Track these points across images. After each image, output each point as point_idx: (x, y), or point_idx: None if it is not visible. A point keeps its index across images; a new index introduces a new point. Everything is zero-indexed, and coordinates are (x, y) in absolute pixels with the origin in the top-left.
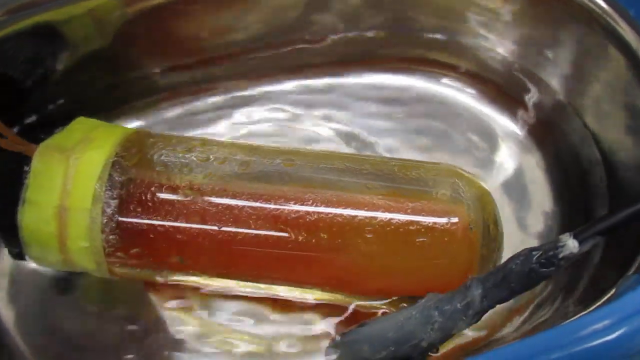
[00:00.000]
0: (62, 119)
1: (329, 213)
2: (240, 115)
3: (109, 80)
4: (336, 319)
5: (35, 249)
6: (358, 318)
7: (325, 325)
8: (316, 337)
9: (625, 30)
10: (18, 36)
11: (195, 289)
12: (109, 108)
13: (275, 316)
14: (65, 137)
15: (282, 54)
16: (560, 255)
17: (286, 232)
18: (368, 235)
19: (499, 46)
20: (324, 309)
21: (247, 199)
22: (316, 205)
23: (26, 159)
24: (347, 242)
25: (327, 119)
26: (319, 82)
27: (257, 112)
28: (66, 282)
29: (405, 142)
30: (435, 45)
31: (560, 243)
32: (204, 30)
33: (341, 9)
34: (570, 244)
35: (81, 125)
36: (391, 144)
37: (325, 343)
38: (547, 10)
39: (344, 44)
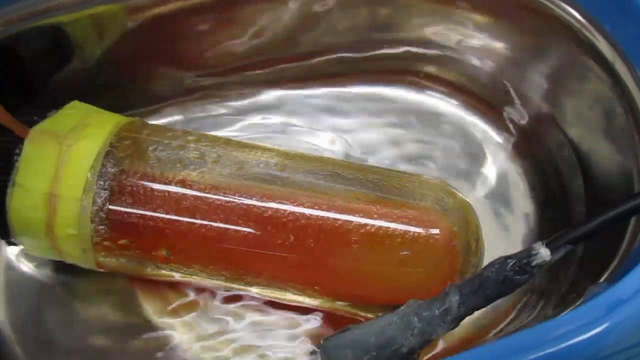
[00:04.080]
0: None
1: (317, 218)
2: (231, 123)
3: (108, 86)
4: (319, 322)
5: (23, 233)
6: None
7: (308, 328)
8: (299, 338)
9: (601, 44)
10: (25, 36)
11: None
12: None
13: (256, 318)
14: (59, 121)
15: (272, 69)
16: (534, 263)
17: (274, 233)
18: (354, 242)
19: (482, 59)
20: (307, 312)
21: (239, 199)
22: (306, 210)
23: (17, 141)
24: (333, 247)
25: (315, 128)
26: (306, 92)
27: (248, 121)
28: (61, 289)
29: (391, 151)
30: (420, 58)
31: (533, 251)
32: (202, 42)
33: (330, 27)
34: (543, 253)
35: (74, 110)
36: (377, 153)
37: (307, 345)
38: (527, 24)
39: (333, 59)
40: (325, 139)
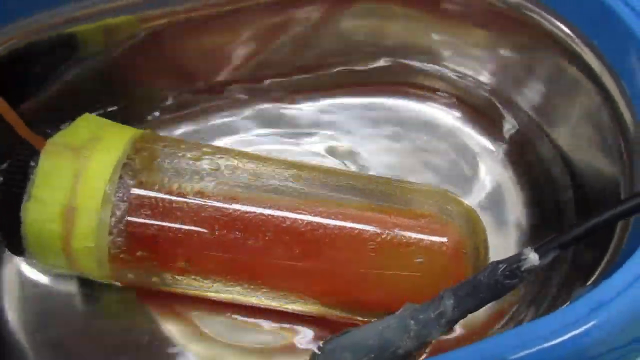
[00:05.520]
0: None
1: (335, 228)
2: (234, 135)
3: (115, 96)
4: (318, 326)
5: (37, 245)
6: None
7: (308, 332)
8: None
9: (589, 57)
10: (34, 47)
11: (194, 300)
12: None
13: (270, 327)
14: (73, 134)
15: (274, 81)
16: (523, 268)
17: (291, 243)
18: (370, 251)
19: (476, 72)
20: (307, 317)
21: (257, 209)
22: (323, 219)
23: (31, 154)
24: (351, 256)
25: (316, 139)
26: (308, 103)
27: (250, 132)
28: (76, 298)
29: (389, 160)
30: (417, 70)
31: (522, 256)
32: (205, 53)
33: (335, 43)
34: (532, 257)
35: (87, 122)
36: (378, 163)
37: (307, 349)
38: (519, 38)
39: (335, 72)
40: (326, 149)
